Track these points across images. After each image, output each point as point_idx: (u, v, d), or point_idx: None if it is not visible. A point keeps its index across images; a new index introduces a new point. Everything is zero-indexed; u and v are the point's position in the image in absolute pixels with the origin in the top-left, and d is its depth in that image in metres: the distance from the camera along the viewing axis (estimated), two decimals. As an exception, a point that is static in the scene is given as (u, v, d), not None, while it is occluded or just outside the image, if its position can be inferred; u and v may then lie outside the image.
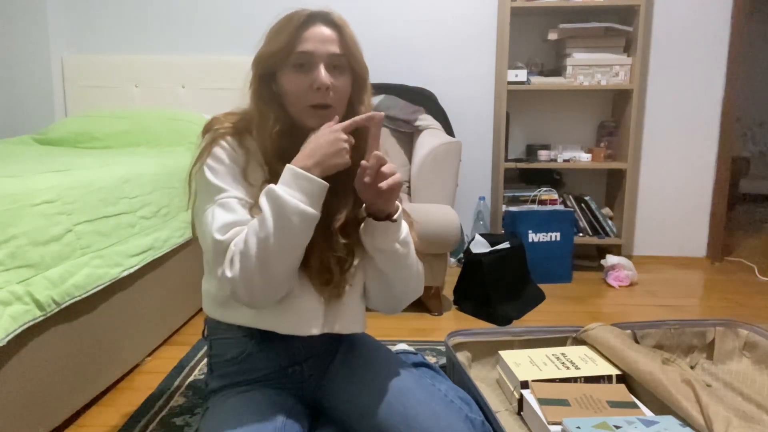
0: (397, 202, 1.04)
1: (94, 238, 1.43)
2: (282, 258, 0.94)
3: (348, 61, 1.04)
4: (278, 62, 1.02)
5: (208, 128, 1.07)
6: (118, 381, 1.60)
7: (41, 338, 1.23)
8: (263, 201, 0.94)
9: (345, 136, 0.95)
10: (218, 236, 0.96)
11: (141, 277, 1.66)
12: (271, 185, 0.94)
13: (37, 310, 1.17)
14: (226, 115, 1.08)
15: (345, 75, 1.04)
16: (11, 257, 1.14)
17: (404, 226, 1.07)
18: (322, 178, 0.95)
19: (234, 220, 0.98)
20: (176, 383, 1.59)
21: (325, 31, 1.01)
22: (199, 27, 2.96)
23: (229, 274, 0.95)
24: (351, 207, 1.06)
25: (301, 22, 1.00)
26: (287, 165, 0.95)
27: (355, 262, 1.09)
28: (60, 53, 2.94)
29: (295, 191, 0.93)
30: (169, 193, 1.87)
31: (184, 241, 1.89)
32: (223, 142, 1.03)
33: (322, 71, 1.00)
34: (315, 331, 1.05)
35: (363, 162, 0.97)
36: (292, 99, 1.02)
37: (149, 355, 1.77)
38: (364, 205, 1.06)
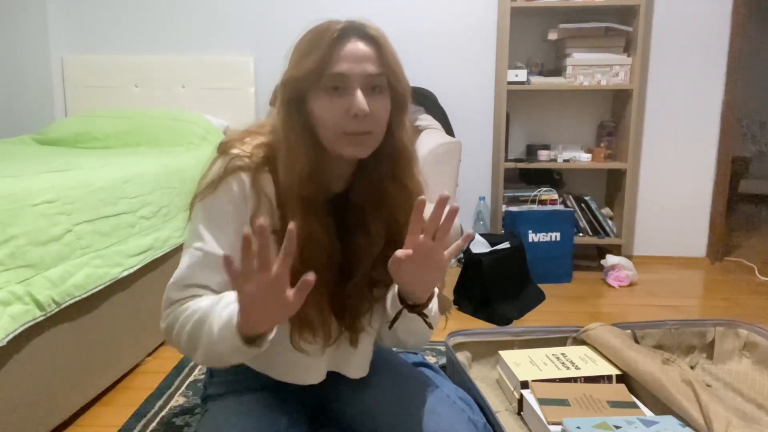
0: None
1: (94, 238, 1.43)
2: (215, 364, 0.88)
3: (388, 80, 0.91)
4: (309, 85, 0.88)
5: (224, 150, 0.93)
6: (118, 381, 1.60)
7: (41, 338, 1.23)
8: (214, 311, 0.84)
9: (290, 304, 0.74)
10: (174, 293, 0.91)
11: (141, 277, 1.65)
12: (228, 313, 0.81)
13: (37, 310, 1.17)
14: (249, 135, 0.94)
15: (384, 95, 0.91)
16: (11, 257, 1.14)
17: (432, 305, 0.96)
18: None
19: (196, 283, 0.91)
20: (176, 383, 1.59)
21: (360, 47, 0.88)
22: (199, 27, 2.95)
23: (165, 337, 0.94)
24: (378, 255, 0.94)
25: (333, 38, 0.86)
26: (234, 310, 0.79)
27: (369, 315, 1.01)
28: (60, 53, 2.94)
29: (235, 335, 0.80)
30: (169, 193, 1.87)
31: (183, 241, 1.89)
32: (234, 183, 0.90)
33: (359, 95, 0.86)
34: (315, 381, 1.01)
35: (398, 252, 0.84)
36: (325, 126, 0.88)
37: (149, 355, 1.77)
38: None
